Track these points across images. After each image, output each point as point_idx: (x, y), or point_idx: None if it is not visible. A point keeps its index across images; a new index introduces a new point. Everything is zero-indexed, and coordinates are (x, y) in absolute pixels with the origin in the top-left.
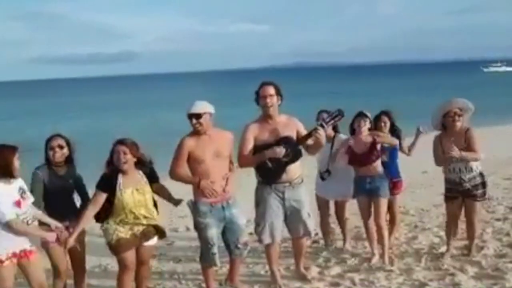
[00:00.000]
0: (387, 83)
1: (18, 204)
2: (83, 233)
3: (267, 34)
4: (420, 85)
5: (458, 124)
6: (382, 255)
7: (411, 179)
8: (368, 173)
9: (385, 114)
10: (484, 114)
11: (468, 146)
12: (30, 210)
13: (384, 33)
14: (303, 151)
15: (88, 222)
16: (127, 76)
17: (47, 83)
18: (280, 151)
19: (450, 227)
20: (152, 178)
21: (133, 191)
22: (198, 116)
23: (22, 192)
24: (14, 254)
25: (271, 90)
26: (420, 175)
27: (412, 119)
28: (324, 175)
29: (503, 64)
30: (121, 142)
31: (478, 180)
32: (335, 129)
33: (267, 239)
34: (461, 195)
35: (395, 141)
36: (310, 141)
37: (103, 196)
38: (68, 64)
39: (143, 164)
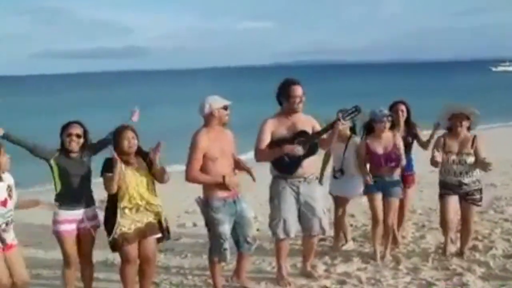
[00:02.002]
0: (393, 82)
1: (3, 203)
2: (96, 225)
3: (271, 32)
4: (428, 85)
5: (463, 129)
6: (384, 253)
7: (419, 178)
8: (386, 173)
9: (402, 103)
10: (496, 114)
11: (475, 153)
12: (12, 209)
13: (388, 32)
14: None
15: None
16: (131, 72)
17: (51, 78)
18: (299, 150)
19: (446, 226)
20: (152, 163)
21: (134, 172)
22: (228, 107)
23: (9, 190)
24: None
25: (301, 90)
26: (427, 174)
27: (422, 119)
28: (336, 174)
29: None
30: (126, 127)
31: (478, 185)
32: (352, 129)
33: (281, 234)
34: (457, 194)
35: (404, 162)
36: (325, 135)
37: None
38: (71, 59)
39: (141, 150)
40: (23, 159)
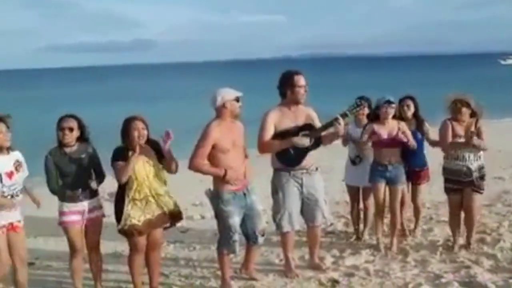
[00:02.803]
0: (402, 75)
1: (9, 175)
2: (101, 215)
3: (280, 25)
4: (436, 78)
5: (466, 115)
6: (390, 243)
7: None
8: (388, 160)
9: (410, 98)
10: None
11: (477, 135)
12: (19, 183)
13: (398, 25)
14: None
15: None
16: (138, 65)
17: (59, 72)
18: (307, 141)
19: (455, 219)
20: (161, 153)
21: (144, 163)
22: (239, 99)
23: (17, 165)
24: (4, 226)
25: (304, 80)
26: (436, 167)
27: (430, 112)
28: (356, 160)
29: None
30: (136, 118)
31: (483, 171)
32: (369, 116)
33: (286, 227)
34: (463, 186)
35: (414, 145)
36: (326, 132)
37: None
38: (79, 53)
39: (151, 140)
40: None
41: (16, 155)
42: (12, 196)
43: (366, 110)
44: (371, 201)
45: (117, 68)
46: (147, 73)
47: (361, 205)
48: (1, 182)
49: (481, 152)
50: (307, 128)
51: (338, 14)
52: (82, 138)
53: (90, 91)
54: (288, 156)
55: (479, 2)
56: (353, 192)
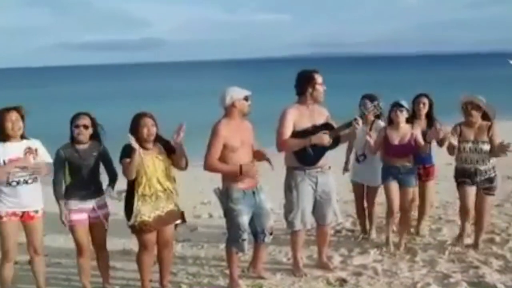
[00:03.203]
0: (408, 74)
1: (14, 161)
2: (107, 213)
3: (287, 24)
4: (444, 78)
5: (477, 118)
6: (399, 243)
7: (436, 171)
8: (400, 163)
9: (425, 95)
10: None
11: (490, 140)
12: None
13: (404, 24)
14: None
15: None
16: (147, 64)
17: (68, 70)
18: (328, 140)
19: (465, 213)
20: (170, 150)
21: (154, 158)
22: (248, 98)
23: (28, 151)
24: (14, 214)
25: (322, 78)
26: (444, 167)
27: (439, 113)
28: (360, 158)
29: None
30: (145, 115)
31: (492, 173)
32: (377, 115)
33: (298, 225)
34: (473, 183)
35: (426, 151)
36: (344, 131)
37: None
38: (88, 51)
39: (160, 137)
40: None
41: (30, 143)
42: (18, 183)
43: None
44: (376, 200)
45: (126, 67)
46: (156, 72)
47: (365, 204)
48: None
49: (491, 158)
50: (326, 127)
51: (344, 13)
52: (94, 136)
53: (99, 90)
54: (307, 154)
55: (487, 1)
56: (358, 189)
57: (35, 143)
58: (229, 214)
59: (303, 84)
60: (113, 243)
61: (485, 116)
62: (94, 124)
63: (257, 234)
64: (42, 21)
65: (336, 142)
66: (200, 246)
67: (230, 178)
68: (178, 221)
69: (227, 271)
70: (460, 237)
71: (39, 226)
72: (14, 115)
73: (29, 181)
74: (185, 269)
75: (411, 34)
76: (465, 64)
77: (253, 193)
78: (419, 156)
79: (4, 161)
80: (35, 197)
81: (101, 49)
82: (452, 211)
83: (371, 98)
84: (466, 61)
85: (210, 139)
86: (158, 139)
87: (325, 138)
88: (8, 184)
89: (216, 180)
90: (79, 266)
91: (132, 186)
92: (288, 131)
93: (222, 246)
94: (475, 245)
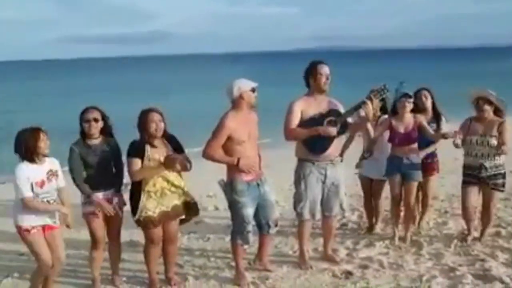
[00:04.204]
0: (414, 68)
1: (40, 184)
2: (122, 203)
3: (293, 17)
4: (449, 71)
5: (488, 113)
6: (405, 236)
7: (442, 165)
8: (405, 154)
9: (426, 89)
10: None
11: (499, 137)
12: (52, 192)
13: (410, 18)
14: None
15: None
16: (155, 57)
17: (75, 63)
18: (333, 130)
19: (466, 212)
20: (178, 148)
21: (160, 155)
22: (255, 89)
23: (50, 174)
24: (39, 226)
25: (328, 69)
26: (451, 161)
27: (446, 106)
28: (366, 154)
29: None
30: (153, 110)
31: (500, 169)
32: (382, 109)
33: (307, 216)
34: (479, 182)
35: (433, 136)
36: (353, 119)
37: (138, 163)
38: (95, 44)
39: (167, 133)
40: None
41: (52, 164)
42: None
43: (377, 102)
44: (382, 194)
45: (132, 60)
46: (162, 65)
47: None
48: (32, 190)
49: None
50: (332, 114)
51: (350, 7)
52: (105, 130)
53: (104, 83)
54: (314, 142)
55: None
56: (365, 183)
57: (55, 164)
58: (234, 206)
59: (307, 75)
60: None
61: (496, 111)
62: (104, 117)
63: (262, 226)
64: (48, 14)
65: (343, 128)
66: (206, 238)
67: (235, 170)
68: (183, 216)
69: (233, 263)
70: (465, 236)
71: (60, 235)
72: (45, 136)
73: (51, 201)
74: (191, 261)
75: (416, 28)
76: (468, 59)
77: (258, 185)
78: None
79: (32, 184)
80: (54, 212)
81: (107, 42)
82: (458, 204)
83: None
84: (474, 55)
85: (215, 129)
86: (166, 135)
87: (331, 130)
88: None
89: (221, 172)
90: (92, 258)
91: (137, 182)
92: (295, 121)
93: (228, 238)
94: (480, 238)
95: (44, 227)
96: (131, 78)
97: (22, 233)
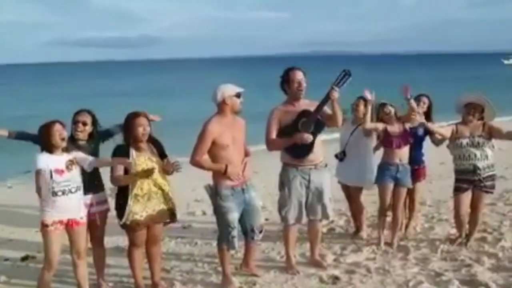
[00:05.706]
0: (407, 73)
1: (59, 172)
2: (106, 209)
3: (285, 22)
4: (441, 76)
5: (474, 117)
6: (392, 241)
7: (429, 170)
8: (397, 160)
9: (425, 96)
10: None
11: (494, 132)
12: (73, 180)
13: (403, 23)
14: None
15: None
16: (145, 61)
17: (65, 66)
18: (308, 137)
19: (460, 219)
20: (162, 153)
21: (146, 159)
22: (240, 95)
23: (69, 163)
24: (61, 222)
25: (302, 74)
26: (437, 166)
27: (436, 111)
28: (340, 155)
29: None
30: (139, 114)
31: (492, 170)
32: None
33: (291, 220)
34: (472, 185)
35: (427, 126)
36: (328, 110)
37: (120, 168)
38: (85, 48)
39: (152, 137)
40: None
41: (73, 154)
42: (63, 193)
43: (362, 108)
44: (369, 199)
45: (122, 64)
46: (152, 69)
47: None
48: (51, 178)
49: (489, 152)
50: (304, 115)
51: (343, 12)
52: (92, 133)
53: (94, 87)
54: (295, 148)
55: (485, 1)
56: (344, 188)
57: (74, 154)
58: (219, 211)
59: (282, 82)
60: (106, 240)
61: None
62: (94, 123)
63: (246, 232)
64: (38, 17)
65: (320, 127)
66: (193, 243)
67: (219, 175)
68: (168, 220)
69: (220, 268)
70: (455, 239)
71: (83, 232)
72: (64, 131)
73: (73, 190)
74: (178, 266)
75: (410, 33)
76: (463, 64)
77: (243, 190)
78: (410, 157)
79: (51, 171)
80: (79, 205)
81: (98, 46)
82: (445, 210)
83: (363, 98)
84: (464, 61)
85: (199, 135)
86: (150, 139)
87: (306, 138)
88: (54, 194)
89: (208, 177)
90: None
91: (124, 186)
92: (273, 132)
93: (216, 243)
94: (466, 242)
95: (68, 222)
96: (120, 83)
97: (41, 227)
